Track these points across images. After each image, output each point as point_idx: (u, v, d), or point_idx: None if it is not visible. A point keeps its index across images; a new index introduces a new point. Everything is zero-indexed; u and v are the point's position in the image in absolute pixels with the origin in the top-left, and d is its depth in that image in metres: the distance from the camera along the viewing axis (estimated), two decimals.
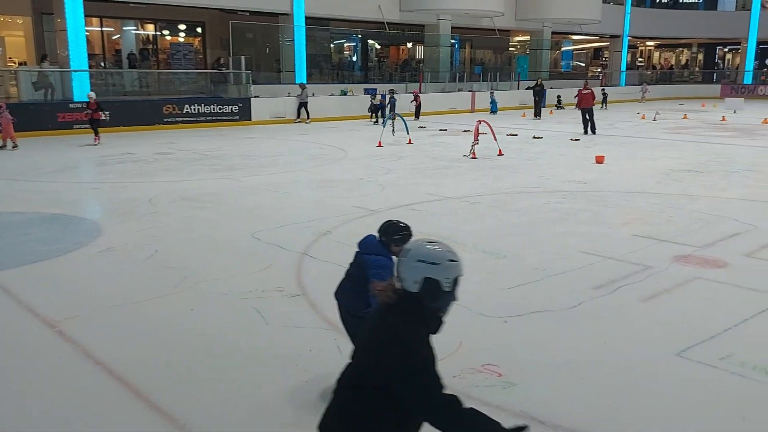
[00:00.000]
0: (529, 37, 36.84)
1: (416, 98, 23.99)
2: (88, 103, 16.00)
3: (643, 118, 25.25)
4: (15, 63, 25.11)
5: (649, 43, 48.43)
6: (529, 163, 13.45)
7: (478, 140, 14.37)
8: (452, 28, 30.22)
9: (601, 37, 41.41)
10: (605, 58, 45.05)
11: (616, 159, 13.92)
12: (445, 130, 20.40)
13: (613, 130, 20.72)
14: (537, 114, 24.99)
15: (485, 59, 38.17)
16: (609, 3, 37.79)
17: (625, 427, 3.68)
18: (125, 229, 7.90)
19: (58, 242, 7.36)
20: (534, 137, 18.18)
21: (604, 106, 29.89)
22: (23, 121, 15.99)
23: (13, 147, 15.01)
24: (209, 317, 5.19)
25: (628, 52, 41.34)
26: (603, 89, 31.10)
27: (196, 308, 5.37)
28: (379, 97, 23.00)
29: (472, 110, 27.74)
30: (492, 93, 27.67)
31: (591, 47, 47.06)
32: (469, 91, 29.21)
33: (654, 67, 48.22)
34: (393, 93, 23.77)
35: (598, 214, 8.84)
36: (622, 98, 35.93)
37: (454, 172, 12.25)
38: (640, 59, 49.38)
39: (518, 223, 8.30)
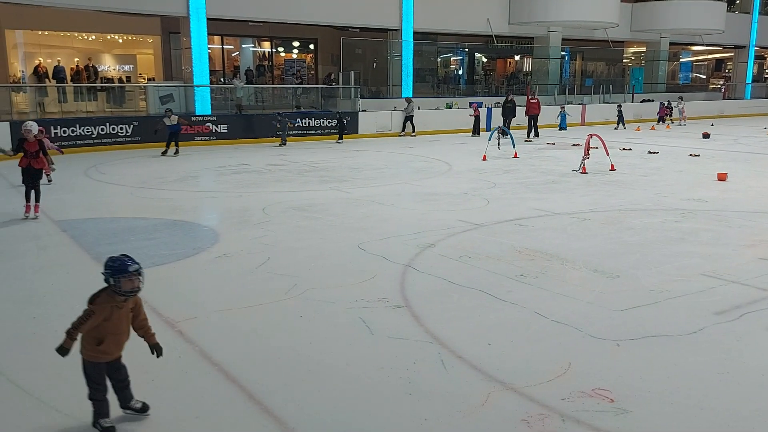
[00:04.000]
0: (644, 48, 35.34)
1: (475, 111, 22.84)
2: (25, 140, 9.10)
3: None
4: (144, 79, 27.13)
5: None
6: (644, 180, 12.85)
7: (588, 155, 13.92)
8: (563, 39, 29.53)
9: (724, 47, 39.00)
10: (728, 69, 42.37)
11: (740, 176, 13.03)
12: (554, 143, 19.91)
13: (737, 146, 19.42)
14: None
15: (597, 71, 36.99)
16: (734, 11, 35.58)
17: None
18: (240, 236, 8.29)
19: (179, 247, 7.83)
20: (649, 152, 17.36)
21: (622, 126, 25.40)
22: (149, 132, 17.16)
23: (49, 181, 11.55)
24: (317, 324, 5.34)
25: (754, 63, 38.66)
26: (619, 105, 26.11)
27: (305, 315, 5.53)
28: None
29: (583, 123, 26.91)
30: (563, 108, 25.15)
31: (713, 58, 44.42)
32: (580, 103, 28.38)
33: None
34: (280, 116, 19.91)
35: (721, 235, 8.30)
36: (748, 112, 33.64)
37: (563, 188, 11.92)
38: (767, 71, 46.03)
39: (632, 242, 7.94)
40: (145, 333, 3.89)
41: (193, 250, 7.65)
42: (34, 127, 9.18)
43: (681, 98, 28.24)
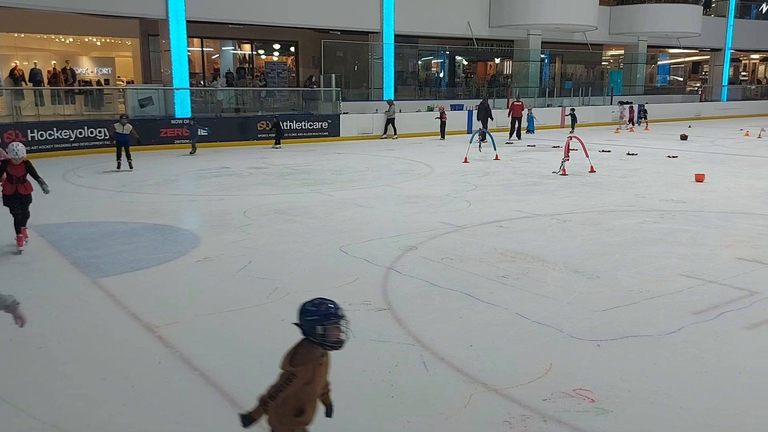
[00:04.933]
0: (623, 51, 35.76)
1: (442, 115, 22.64)
2: (9, 163, 7.79)
3: (747, 134, 23.87)
4: (123, 82, 26.84)
5: (753, 56, 45.84)
6: (623, 181, 12.99)
7: (568, 156, 14.03)
8: (542, 42, 29.76)
9: (701, 50, 39.59)
10: (705, 72, 43.02)
11: (717, 177, 13.22)
12: (534, 146, 20.05)
13: (714, 148, 19.71)
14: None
15: (576, 74, 37.33)
16: (710, 15, 36.12)
17: None
18: (221, 240, 8.23)
19: (159, 251, 7.75)
20: (628, 154, 17.56)
21: (572, 130, 23.85)
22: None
23: None
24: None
25: (730, 66, 39.26)
26: (572, 108, 25.57)
27: (287, 319, 5.48)
28: None
29: (562, 126, 27.14)
30: (529, 110, 24.36)
31: (689, 61, 45.07)
32: (559, 106, 28.61)
33: (759, 81, 45.59)
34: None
35: (699, 235, 8.41)
36: (724, 114, 34.15)
37: (544, 189, 12.00)
38: (743, 73, 46.82)
39: (612, 243, 8.01)
40: (325, 392, 3.16)
41: (174, 254, 7.58)
42: (21, 149, 7.77)
43: (621, 102, 28.76)
